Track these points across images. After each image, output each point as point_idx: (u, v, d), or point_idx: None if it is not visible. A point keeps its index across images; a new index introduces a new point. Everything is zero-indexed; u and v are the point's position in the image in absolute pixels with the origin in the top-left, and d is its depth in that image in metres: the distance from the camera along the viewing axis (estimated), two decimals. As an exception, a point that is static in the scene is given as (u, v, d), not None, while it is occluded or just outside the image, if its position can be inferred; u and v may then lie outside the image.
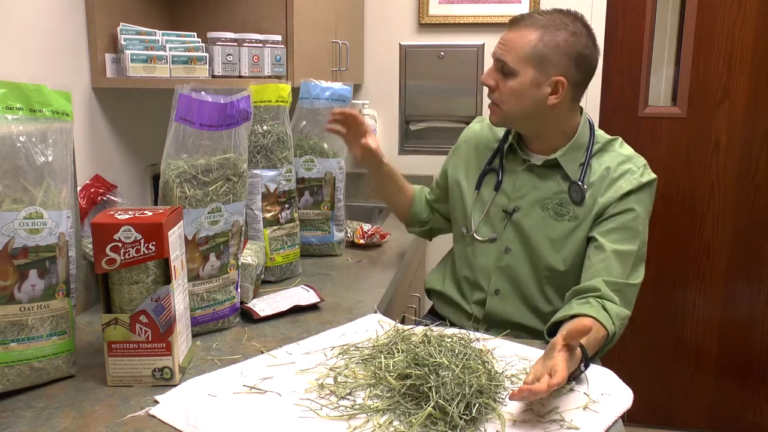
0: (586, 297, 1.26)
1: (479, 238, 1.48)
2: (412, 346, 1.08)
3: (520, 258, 1.44)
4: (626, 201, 1.35)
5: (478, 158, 1.54)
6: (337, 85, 1.78)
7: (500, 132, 1.53)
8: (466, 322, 1.50)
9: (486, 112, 1.75)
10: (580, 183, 1.37)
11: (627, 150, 1.42)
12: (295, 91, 1.67)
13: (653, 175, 1.38)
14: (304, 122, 1.79)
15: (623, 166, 1.38)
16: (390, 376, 1.01)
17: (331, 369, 1.09)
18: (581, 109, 1.43)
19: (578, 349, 1.04)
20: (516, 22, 1.35)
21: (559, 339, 1.00)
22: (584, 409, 0.98)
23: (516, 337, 1.31)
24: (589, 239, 1.37)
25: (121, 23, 1.60)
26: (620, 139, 1.44)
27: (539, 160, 1.43)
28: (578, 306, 1.23)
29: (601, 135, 1.43)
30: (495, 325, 1.46)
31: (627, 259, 1.32)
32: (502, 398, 0.99)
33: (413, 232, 1.77)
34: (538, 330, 1.42)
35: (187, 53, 1.57)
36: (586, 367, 1.08)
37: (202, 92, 1.16)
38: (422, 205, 1.70)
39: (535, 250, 1.42)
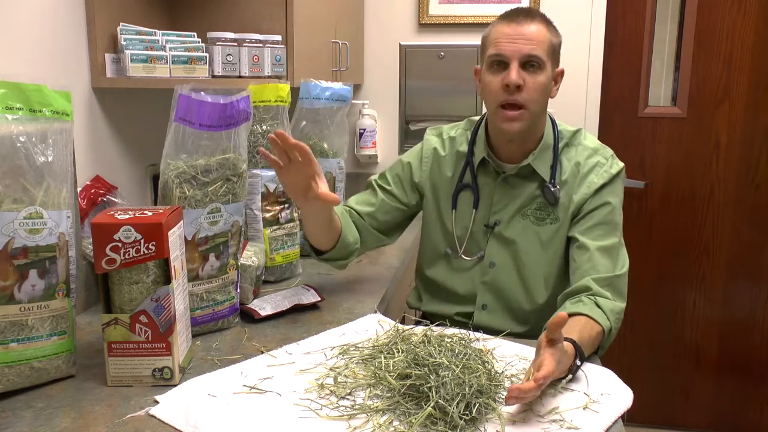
0: (578, 296, 1.27)
1: (467, 258, 1.46)
2: (412, 346, 1.08)
3: (506, 271, 1.43)
4: (600, 195, 1.36)
5: (446, 175, 1.48)
6: (337, 85, 1.78)
7: (460, 146, 1.47)
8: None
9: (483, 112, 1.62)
10: (550, 185, 1.37)
11: (592, 142, 1.42)
12: (295, 91, 1.67)
13: (621, 164, 1.39)
14: (304, 122, 1.79)
15: (591, 160, 1.38)
16: (390, 376, 1.00)
17: (331, 369, 1.09)
18: None
19: (568, 344, 1.04)
20: (526, 14, 1.32)
21: (542, 337, 1.00)
22: (584, 409, 0.98)
23: None
24: (570, 239, 1.37)
25: (121, 23, 1.60)
26: (583, 130, 1.44)
27: (512, 169, 1.40)
28: (571, 306, 1.24)
29: (565, 129, 1.43)
30: None
31: (611, 252, 1.32)
32: (502, 398, 0.99)
33: (331, 264, 1.47)
34: (527, 336, 1.41)
35: (187, 53, 1.57)
36: (582, 361, 1.08)
37: (202, 92, 1.16)
38: (353, 231, 1.46)
39: (521, 260, 1.41)
